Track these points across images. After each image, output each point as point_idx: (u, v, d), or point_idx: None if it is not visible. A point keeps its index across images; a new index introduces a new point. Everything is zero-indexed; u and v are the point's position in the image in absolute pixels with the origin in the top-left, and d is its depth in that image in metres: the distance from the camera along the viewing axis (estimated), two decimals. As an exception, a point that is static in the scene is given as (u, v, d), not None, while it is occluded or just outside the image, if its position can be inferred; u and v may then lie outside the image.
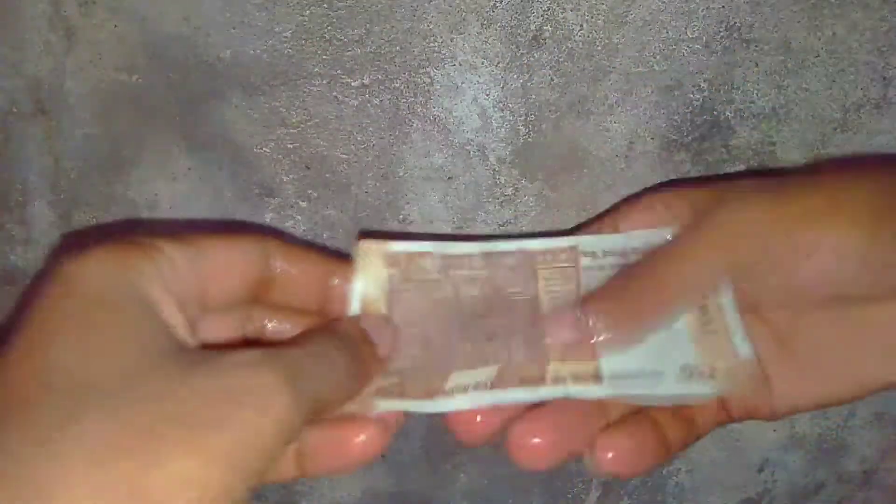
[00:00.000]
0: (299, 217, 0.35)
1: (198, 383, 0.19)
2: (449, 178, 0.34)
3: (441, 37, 0.32)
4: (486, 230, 0.34)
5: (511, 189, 0.34)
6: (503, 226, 0.34)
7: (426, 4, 0.31)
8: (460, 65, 0.32)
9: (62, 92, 0.33)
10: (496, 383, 0.25)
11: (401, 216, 0.34)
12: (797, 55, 0.32)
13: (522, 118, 0.33)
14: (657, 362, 0.25)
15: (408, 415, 0.25)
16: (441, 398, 0.24)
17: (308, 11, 0.32)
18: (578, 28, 0.32)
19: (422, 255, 0.28)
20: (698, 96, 0.32)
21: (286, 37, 0.32)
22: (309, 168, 0.34)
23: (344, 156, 0.34)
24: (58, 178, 0.35)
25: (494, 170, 0.34)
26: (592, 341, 0.26)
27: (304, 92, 0.33)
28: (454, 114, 0.33)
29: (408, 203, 0.34)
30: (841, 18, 0.31)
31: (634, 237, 0.28)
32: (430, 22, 0.32)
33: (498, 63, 0.32)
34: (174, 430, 0.18)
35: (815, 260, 0.24)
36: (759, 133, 0.33)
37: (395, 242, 0.28)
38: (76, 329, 0.20)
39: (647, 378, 0.25)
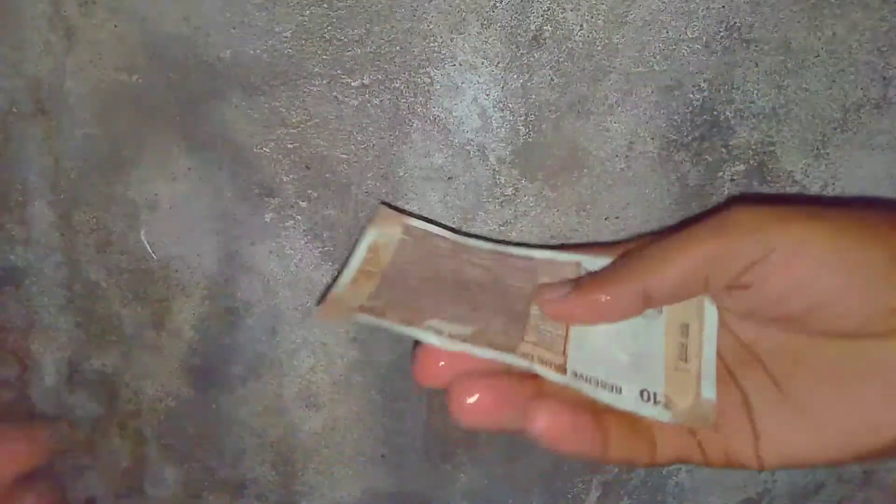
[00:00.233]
0: (299, 217, 0.35)
1: None
2: (449, 178, 0.34)
3: (441, 37, 0.32)
4: (486, 230, 0.34)
5: (511, 189, 0.34)
6: (503, 226, 0.34)
7: (426, 4, 0.31)
8: (460, 65, 0.32)
9: (62, 92, 0.33)
10: (468, 339, 0.26)
11: (401, 216, 0.34)
12: (797, 55, 0.32)
13: (522, 118, 0.33)
14: (622, 378, 0.26)
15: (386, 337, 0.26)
16: (416, 329, 0.25)
17: (308, 11, 0.32)
18: (578, 28, 0.32)
19: (437, 235, 0.29)
20: (698, 96, 0.32)
21: (286, 37, 0.32)
22: (309, 168, 0.34)
23: (344, 156, 0.34)
24: (58, 178, 0.35)
25: (494, 170, 0.34)
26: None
27: (304, 92, 0.33)
28: (454, 114, 0.33)
29: (408, 203, 0.34)
30: (841, 18, 0.31)
31: None
32: (430, 22, 0.32)
33: (498, 63, 0.32)
34: None
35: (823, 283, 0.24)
36: (759, 133, 0.33)
37: (414, 219, 0.29)
38: None
39: (608, 390, 0.26)
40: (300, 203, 0.35)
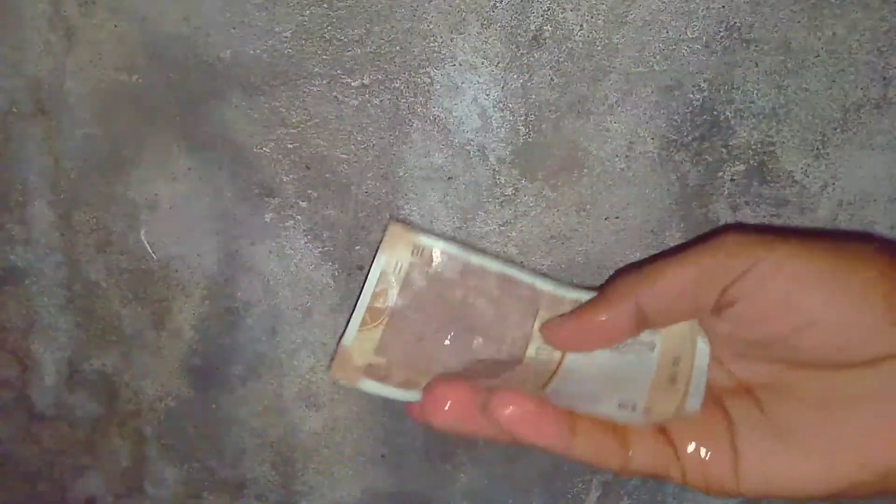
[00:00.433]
0: (299, 217, 0.35)
1: None
2: (449, 178, 0.34)
3: (441, 37, 0.32)
4: (486, 230, 0.34)
5: (511, 189, 0.34)
6: (503, 226, 0.34)
7: (426, 4, 0.31)
8: (460, 65, 0.32)
9: (62, 92, 0.33)
10: None
11: (401, 216, 0.34)
12: (797, 55, 0.32)
13: (522, 118, 0.33)
14: (602, 393, 0.26)
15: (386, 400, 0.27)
16: (415, 391, 0.27)
17: (308, 11, 0.32)
18: (578, 28, 0.32)
19: (445, 254, 0.30)
20: (698, 96, 0.32)
21: (286, 37, 0.32)
22: (309, 168, 0.34)
23: (344, 156, 0.34)
24: (58, 178, 0.35)
25: (494, 170, 0.34)
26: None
27: (304, 92, 0.33)
28: (454, 114, 0.33)
29: (408, 203, 0.34)
30: (841, 18, 0.31)
31: None
32: (430, 22, 0.32)
33: (498, 63, 0.32)
34: None
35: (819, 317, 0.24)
36: (759, 133, 0.33)
37: (424, 235, 0.30)
38: None
39: (584, 401, 0.26)
40: (300, 203, 0.35)
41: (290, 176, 0.34)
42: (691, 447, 0.26)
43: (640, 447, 0.26)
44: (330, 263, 0.35)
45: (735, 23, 0.31)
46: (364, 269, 0.35)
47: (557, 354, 0.29)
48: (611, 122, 0.33)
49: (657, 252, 0.34)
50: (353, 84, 0.33)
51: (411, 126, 0.33)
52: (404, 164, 0.34)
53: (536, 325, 0.29)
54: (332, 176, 0.34)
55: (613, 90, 0.32)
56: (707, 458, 0.26)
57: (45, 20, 0.32)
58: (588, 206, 0.34)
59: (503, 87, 0.32)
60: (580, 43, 0.32)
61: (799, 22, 0.31)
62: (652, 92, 0.32)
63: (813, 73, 0.32)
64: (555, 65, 0.32)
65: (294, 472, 0.39)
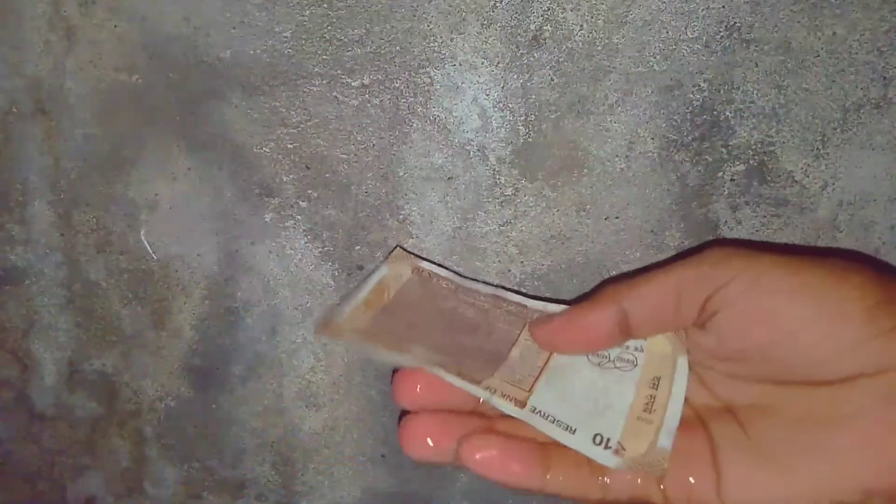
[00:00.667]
0: (299, 217, 0.35)
1: None
2: (449, 178, 0.34)
3: (441, 37, 0.32)
4: (486, 230, 0.34)
5: (511, 189, 0.34)
6: (503, 226, 0.34)
7: (426, 4, 0.31)
8: (460, 65, 0.32)
9: (62, 92, 0.33)
10: (441, 364, 0.28)
11: (401, 216, 0.34)
12: (797, 55, 0.32)
13: (522, 118, 0.33)
14: (579, 421, 0.27)
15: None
16: (395, 353, 0.29)
17: (308, 11, 0.32)
18: (578, 28, 0.32)
19: (443, 278, 0.32)
20: (698, 96, 0.32)
21: (286, 37, 0.32)
22: (309, 168, 0.34)
23: (344, 156, 0.34)
24: (58, 178, 0.35)
25: (494, 170, 0.34)
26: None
27: (304, 92, 0.33)
28: (454, 114, 0.33)
29: (408, 203, 0.34)
30: (841, 18, 0.31)
31: None
32: (430, 22, 0.32)
33: (498, 63, 0.32)
34: None
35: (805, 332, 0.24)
36: (759, 133, 0.33)
37: (425, 262, 0.33)
38: None
39: (562, 428, 0.27)
40: (300, 203, 0.35)
41: (290, 176, 0.34)
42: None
43: (620, 478, 0.27)
44: (330, 263, 0.35)
45: (735, 23, 0.31)
46: (363, 269, 0.35)
47: (542, 360, 0.29)
48: (611, 122, 0.33)
49: (657, 252, 0.34)
50: (353, 84, 0.33)
51: (411, 126, 0.33)
52: (404, 164, 0.34)
53: (524, 334, 0.30)
54: (332, 176, 0.34)
55: (613, 90, 0.32)
56: (690, 481, 0.26)
57: (45, 20, 0.32)
58: (588, 206, 0.34)
59: (503, 87, 0.32)
60: (580, 43, 0.32)
61: (799, 22, 0.31)
62: (652, 92, 0.32)
63: (813, 73, 0.32)
64: (555, 65, 0.32)
65: (294, 472, 0.39)
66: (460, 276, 0.33)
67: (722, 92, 0.32)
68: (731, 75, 0.32)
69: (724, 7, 0.31)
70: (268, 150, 0.34)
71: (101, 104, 0.34)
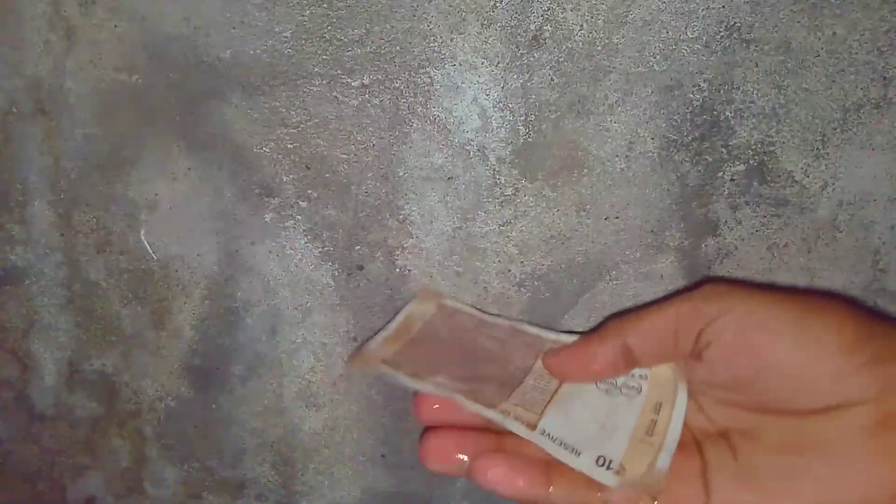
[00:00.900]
0: (299, 217, 0.35)
1: None
2: (449, 178, 0.34)
3: (441, 37, 0.32)
4: (486, 230, 0.34)
5: (511, 189, 0.34)
6: (503, 226, 0.34)
7: (426, 4, 0.31)
8: (460, 65, 0.32)
9: (62, 92, 0.33)
10: (459, 391, 0.30)
11: (401, 216, 0.34)
12: (797, 55, 0.32)
13: (522, 118, 0.33)
14: (584, 443, 0.29)
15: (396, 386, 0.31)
16: (420, 381, 0.30)
17: (308, 11, 0.32)
18: (578, 28, 0.32)
19: (466, 314, 0.35)
20: (698, 96, 0.32)
21: (286, 37, 0.32)
22: (309, 168, 0.34)
23: (344, 156, 0.34)
24: (58, 178, 0.35)
25: (494, 170, 0.34)
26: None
27: (304, 92, 0.33)
28: (454, 114, 0.33)
29: (408, 203, 0.34)
30: (841, 18, 0.31)
31: None
32: (430, 22, 0.32)
33: (498, 63, 0.32)
34: None
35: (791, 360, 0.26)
36: (759, 133, 0.33)
37: (449, 300, 0.35)
38: None
39: (568, 451, 0.29)
40: (300, 203, 0.35)
41: (290, 176, 0.34)
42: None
43: (617, 493, 0.28)
44: (330, 263, 0.35)
45: (735, 23, 0.31)
46: (363, 269, 0.35)
47: (553, 386, 0.31)
48: (611, 122, 0.33)
49: (657, 252, 0.34)
50: (353, 84, 0.33)
51: (411, 126, 0.33)
52: (404, 164, 0.34)
53: (538, 364, 0.32)
54: (332, 176, 0.34)
55: (613, 90, 0.32)
56: (680, 499, 0.28)
57: (45, 20, 0.32)
58: (588, 206, 0.34)
59: (503, 87, 0.32)
60: (580, 43, 0.32)
61: (799, 22, 0.31)
62: (652, 92, 0.32)
63: (813, 73, 0.32)
64: (555, 65, 0.32)
65: (294, 472, 0.39)
66: (483, 311, 0.35)
67: (722, 92, 0.32)
68: (731, 75, 0.32)
69: (724, 7, 0.31)
70: (268, 150, 0.34)
71: (101, 104, 0.34)
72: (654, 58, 0.32)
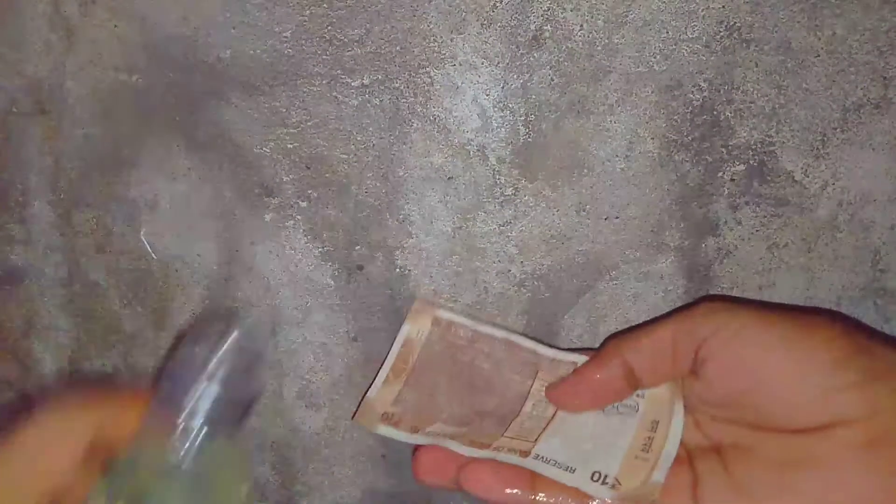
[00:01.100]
0: (299, 217, 0.35)
1: None
2: (449, 178, 0.34)
3: (441, 37, 0.32)
4: (486, 230, 0.34)
5: (511, 189, 0.34)
6: (503, 226, 0.34)
7: (426, 4, 0.31)
8: (460, 65, 0.32)
9: (62, 92, 0.33)
10: (455, 437, 0.31)
11: (401, 216, 0.34)
12: (797, 55, 0.32)
13: (522, 118, 0.33)
14: (579, 461, 0.29)
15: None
16: (419, 436, 0.31)
17: (308, 11, 0.32)
18: (578, 28, 0.32)
19: (460, 326, 0.34)
20: (698, 96, 0.32)
21: (286, 37, 0.32)
22: (309, 168, 0.34)
23: (344, 156, 0.34)
24: (58, 178, 0.35)
25: (494, 170, 0.34)
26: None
27: (304, 92, 0.33)
28: (454, 114, 0.33)
29: (408, 203, 0.34)
30: (841, 18, 0.31)
31: None
32: (430, 22, 0.32)
33: (498, 63, 0.32)
34: None
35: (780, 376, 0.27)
36: (759, 133, 0.33)
37: (444, 310, 0.34)
38: None
39: (562, 469, 0.29)
40: (300, 203, 0.35)
41: (290, 176, 0.34)
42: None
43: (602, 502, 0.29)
44: (330, 263, 0.35)
45: (735, 23, 0.31)
46: (363, 269, 0.35)
47: (551, 412, 0.32)
48: (611, 122, 0.33)
49: (657, 252, 0.34)
50: (353, 84, 0.33)
51: (411, 126, 0.33)
52: (404, 164, 0.34)
53: (535, 385, 0.33)
54: (332, 176, 0.34)
55: (613, 90, 0.32)
56: None
57: (45, 20, 0.32)
58: (588, 206, 0.34)
59: (503, 87, 0.32)
60: (580, 43, 0.32)
61: (799, 22, 0.31)
62: (652, 92, 0.32)
63: (813, 73, 0.32)
64: (555, 65, 0.32)
65: (294, 472, 0.39)
66: (476, 319, 0.35)
67: (722, 92, 0.32)
68: (731, 75, 0.32)
69: (724, 7, 0.31)
70: (268, 150, 0.34)
71: (101, 104, 0.34)
72: (654, 58, 0.32)
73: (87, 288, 0.37)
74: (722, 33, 0.31)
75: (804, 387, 0.26)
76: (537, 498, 0.29)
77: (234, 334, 0.27)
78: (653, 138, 0.33)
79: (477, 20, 0.32)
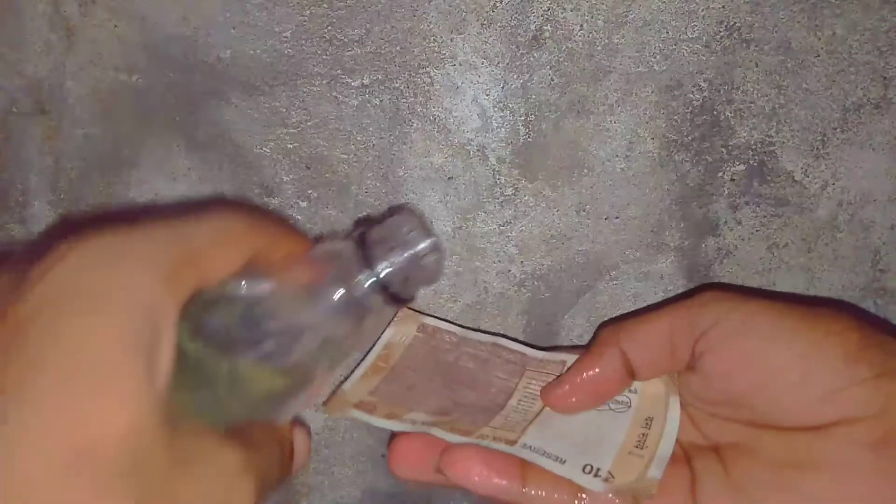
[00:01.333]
0: (299, 217, 0.35)
1: (183, 489, 0.19)
2: (449, 178, 0.34)
3: (441, 37, 0.32)
4: (486, 230, 0.34)
5: (511, 189, 0.34)
6: (503, 226, 0.34)
7: (426, 4, 0.31)
8: (460, 65, 0.32)
9: (62, 92, 0.33)
10: (436, 424, 0.29)
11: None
12: (797, 55, 0.32)
13: (522, 118, 0.33)
14: (569, 453, 0.27)
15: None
16: (396, 422, 0.29)
17: (308, 11, 0.32)
18: (578, 28, 0.32)
19: (447, 332, 0.33)
20: (698, 96, 0.32)
21: (286, 37, 0.32)
22: (309, 168, 0.34)
23: (344, 156, 0.34)
24: (58, 178, 0.35)
25: (494, 170, 0.34)
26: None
27: (304, 92, 0.33)
28: (454, 114, 0.33)
29: (408, 203, 0.34)
30: (841, 18, 0.31)
31: None
32: (430, 22, 0.32)
33: (498, 63, 0.32)
34: None
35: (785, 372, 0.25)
36: (759, 133, 0.33)
37: (430, 318, 0.33)
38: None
39: (552, 459, 0.27)
40: (300, 203, 0.35)
41: (290, 176, 0.34)
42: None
43: (595, 494, 0.27)
44: (330, 263, 0.35)
45: (735, 23, 0.31)
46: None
47: (537, 407, 0.30)
48: (611, 122, 0.33)
49: (657, 252, 0.34)
50: (353, 84, 0.33)
51: (411, 126, 0.33)
52: (404, 164, 0.34)
53: (522, 382, 0.31)
54: (332, 176, 0.34)
55: (613, 90, 0.32)
56: None
57: (45, 20, 0.32)
58: (588, 206, 0.34)
59: (503, 87, 0.32)
60: (580, 43, 0.32)
61: (799, 22, 0.31)
62: (652, 92, 0.32)
63: (813, 73, 0.32)
64: (555, 65, 0.32)
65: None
66: (463, 327, 0.34)
67: (722, 92, 0.32)
68: (731, 75, 0.32)
69: (724, 7, 0.31)
70: (268, 150, 0.34)
71: (101, 104, 0.34)
72: (654, 58, 0.32)
73: (87, 288, 0.37)
74: (722, 33, 0.31)
75: (810, 383, 0.25)
76: (527, 490, 0.27)
77: (430, 241, 0.25)
78: (653, 138, 0.33)
79: (477, 20, 0.32)
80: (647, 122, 0.33)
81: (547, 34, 0.32)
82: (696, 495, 0.27)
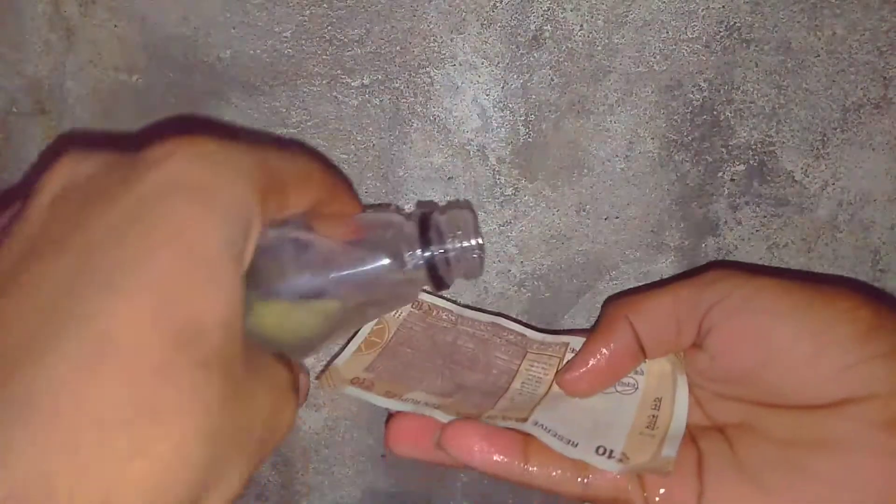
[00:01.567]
0: (299, 217, 0.35)
1: (251, 394, 0.20)
2: (449, 178, 0.34)
3: (441, 37, 0.32)
4: (487, 230, 0.34)
5: (511, 189, 0.34)
6: (503, 226, 0.34)
7: (426, 4, 0.31)
8: (460, 65, 0.32)
9: (62, 92, 0.33)
10: (439, 407, 0.28)
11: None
12: (797, 55, 0.32)
13: (522, 118, 0.33)
14: (581, 436, 0.27)
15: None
16: (396, 401, 0.28)
17: (308, 11, 0.32)
18: (578, 28, 0.32)
19: (443, 309, 0.33)
20: (698, 96, 0.32)
21: (286, 37, 0.32)
22: (309, 168, 0.34)
23: (344, 156, 0.34)
24: (58, 178, 0.35)
25: (494, 170, 0.34)
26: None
27: (304, 92, 0.33)
28: (454, 114, 0.33)
29: (408, 203, 0.34)
30: (841, 18, 0.31)
31: None
32: (430, 22, 0.32)
33: (498, 63, 0.32)
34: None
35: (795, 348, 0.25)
36: (759, 133, 0.33)
37: (426, 295, 0.32)
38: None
39: (563, 442, 0.27)
40: (300, 203, 0.35)
41: (290, 176, 0.34)
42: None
43: (599, 473, 0.26)
44: (330, 263, 0.35)
45: (735, 23, 0.31)
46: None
47: (543, 390, 0.30)
48: (611, 122, 0.33)
49: (657, 252, 0.34)
50: (353, 84, 0.33)
51: (411, 126, 0.33)
52: (404, 164, 0.34)
53: (524, 365, 0.31)
54: (332, 176, 0.34)
55: (613, 90, 0.32)
56: (672, 491, 0.26)
57: (45, 20, 0.32)
58: (588, 206, 0.34)
59: (503, 87, 0.32)
60: (580, 43, 0.32)
61: (799, 22, 0.31)
62: (652, 92, 0.32)
63: (813, 73, 0.32)
64: (555, 65, 0.32)
65: (294, 472, 0.39)
66: (460, 305, 0.33)
67: (722, 92, 0.32)
68: (731, 75, 0.32)
69: (724, 7, 0.31)
70: (268, 150, 0.34)
71: (101, 104, 0.34)
72: (654, 58, 0.32)
73: (87, 288, 0.37)
74: (722, 33, 0.31)
75: (819, 359, 0.24)
76: (529, 467, 0.26)
77: (480, 240, 0.28)
78: (653, 138, 0.33)
79: (477, 20, 0.32)
80: (647, 122, 0.33)
81: (547, 34, 0.32)
82: (703, 475, 0.26)
